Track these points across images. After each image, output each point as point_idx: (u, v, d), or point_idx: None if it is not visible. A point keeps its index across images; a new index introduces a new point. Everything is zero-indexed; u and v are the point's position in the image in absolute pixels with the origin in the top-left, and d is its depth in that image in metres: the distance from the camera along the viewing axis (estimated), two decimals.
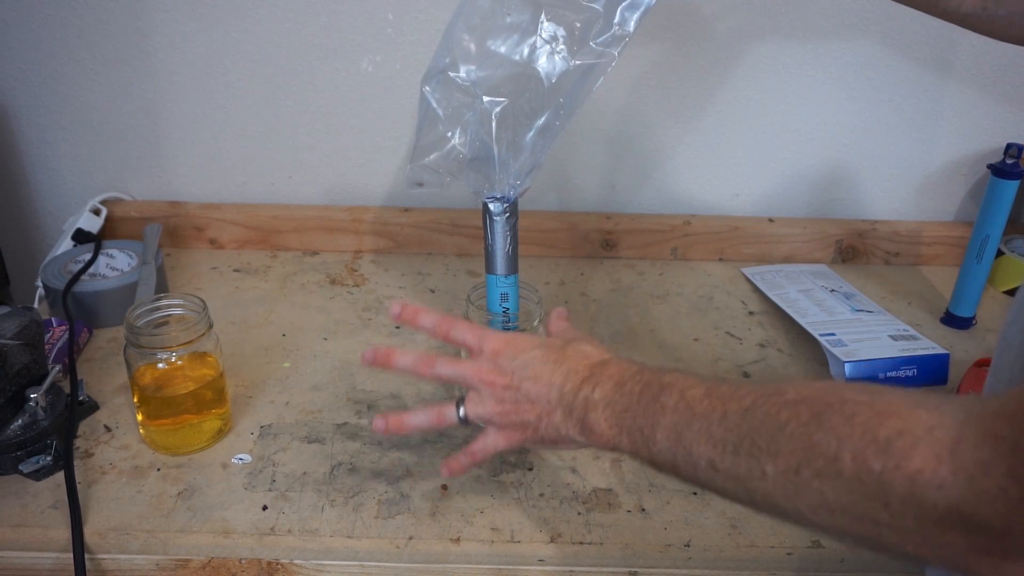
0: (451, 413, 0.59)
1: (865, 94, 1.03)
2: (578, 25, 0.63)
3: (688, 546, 0.64)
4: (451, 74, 0.64)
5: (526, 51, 0.63)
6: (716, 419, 0.45)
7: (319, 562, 0.64)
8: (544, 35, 0.63)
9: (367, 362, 0.61)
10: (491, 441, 0.58)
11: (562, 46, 0.63)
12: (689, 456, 0.46)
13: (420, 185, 0.69)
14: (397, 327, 0.90)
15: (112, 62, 1.00)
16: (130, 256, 0.95)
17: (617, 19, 0.63)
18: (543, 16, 0.63)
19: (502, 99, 0.64)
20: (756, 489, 0.42)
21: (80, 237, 0.98)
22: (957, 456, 0.34)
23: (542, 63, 0.63)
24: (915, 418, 0.36)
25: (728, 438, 0.43)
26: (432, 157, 0.68)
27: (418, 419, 0.60)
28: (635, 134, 1.05)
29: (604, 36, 0.63)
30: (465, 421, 0.59)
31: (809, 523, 0.41)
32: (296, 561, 0.64)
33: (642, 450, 0.50)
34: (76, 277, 0.88)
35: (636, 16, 0.62)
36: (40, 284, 0.92)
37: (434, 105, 0.66)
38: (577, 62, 0.63)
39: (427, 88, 0.66)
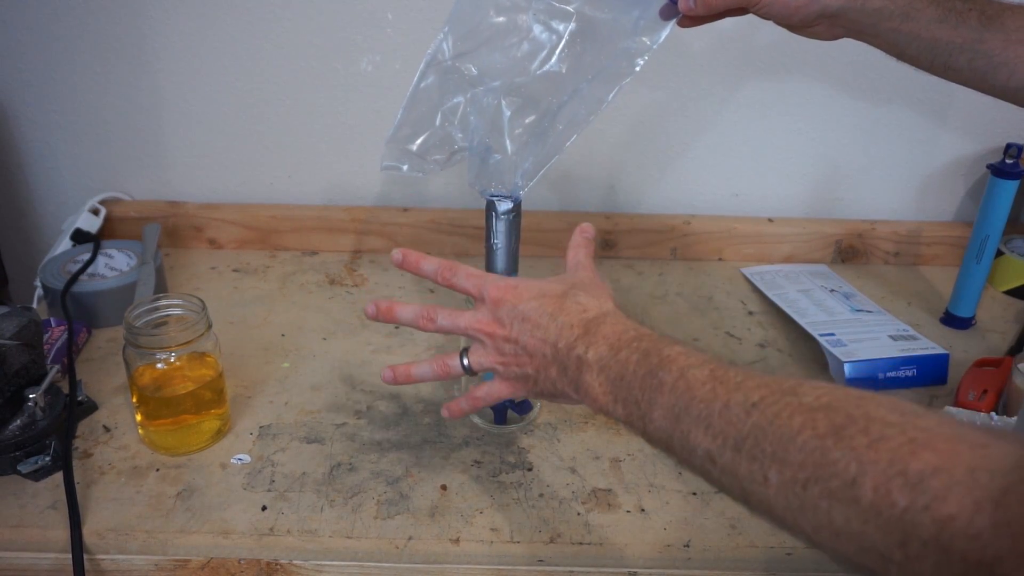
0: (455, 363, 0.59)
1: (865, 94, 1.03)
2: (600, 28, 0.62)
3: (688, 546, 0.64)
4: (458, 65, 0.63)
5: (542, 52, 0.63)
6: (718, 408, 0.42)
7: (318, 562, 0.64)
8: (563, 37, 0.62)
9: (371, 316, 0.61)
10: (495, 388, 0.58)
11: (580, 48, 0.63)
12: (686, 442, 0.43)
13: (396, 169, 0.67)
14: (396, 327, 0.90)
15: (111, 62, 1.00)
16: (129, 256, 0.94)
17: (640, 28, 0.63)
18: (558, 18, 0.62)
19: (517, 99, 0.64)
20: (754, 492, 0.40)
21: (79, 237, 0.98)
22: (1001, 508, 0.30)
23: (560, 63, 0.63)
24: (955, 455, 0.32)
25: (729, 432, 0.41)
26: (419, 141, 0.66)
27: (422, 370, 0.61)
28: (634, 134, 1.05)
29: (626, 42, 0.63)
30: (470, 370, 0.59)
31: (807, 538, 0.38)
32: (295, 561, 0.63)
33: (637, 424, 0.48)
34: (75, 277, 0.88)
35: (662, 29, 0.63)
36: (39, 284, 0.92)
37: (427, 85, 0.64)
38: (595, 64, 0.63)
39: (426, 71, 0.64)
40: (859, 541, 0.34)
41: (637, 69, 0.63)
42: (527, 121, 0.64)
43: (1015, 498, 0.30)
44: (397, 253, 0.61)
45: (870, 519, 0.34)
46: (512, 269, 0.71)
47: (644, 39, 0.63)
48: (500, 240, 0.69)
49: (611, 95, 0.63)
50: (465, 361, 0.58)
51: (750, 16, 0.68)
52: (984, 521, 0.30)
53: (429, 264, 0.61)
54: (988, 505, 0.30)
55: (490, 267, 0.71)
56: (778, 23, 0.66)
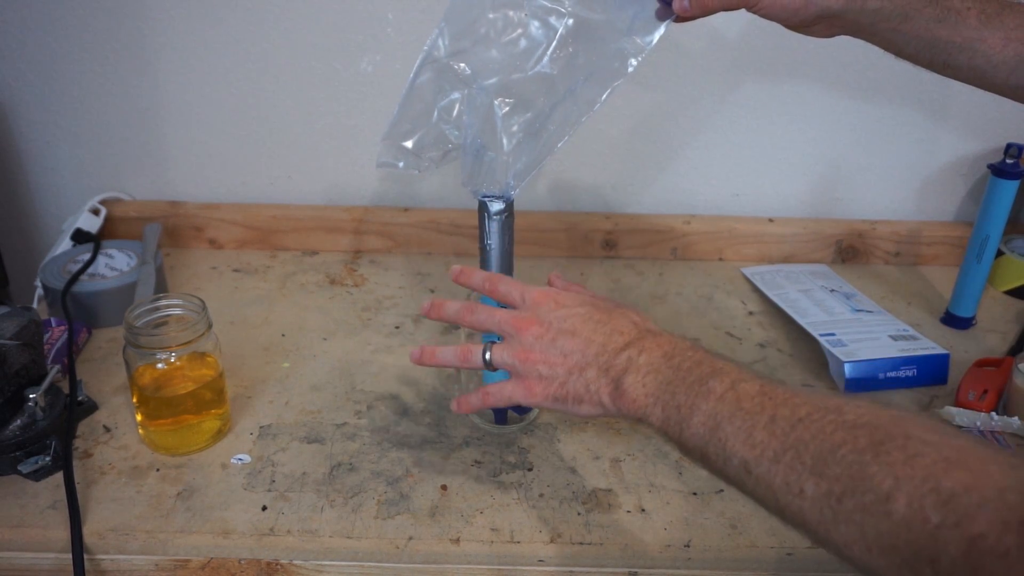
0: (477, 354, 0.59)
1: (865, 94, 1.03)
2: (595, 28, 0.63)
3: (688, 546, 0.64)
4: (452, 64, 0.64)
5: (537, 51, 0.63)
6: (763, 421, 0.43)
7: (319, 562, 0.64)
8: (557, 36, 0.62)
9: (424, 312, 0.63)
10: (508, 389, 0.58)
11: (574, 48, 0.63)
12: (723, 450, 0.44)
13: (391, 166, 0.67)
14: (396, 327, 0.90)
15: (112, 62, 1.00)
16: (129, 256, 0.95)
17: (635, 28, 0.63)
18: (554, 17, 0.62)
19: (510, 99, 0.64)
20: (788, 504, 0.40)
21: (79, 237, 0.98)
22: None
23: (552, 65, 0.63)
24: (987, 474, 0.33)
25: (770, 444, 0.42)
26: (415, 138, 0.66)
27: (447, 355, 0.61)
28: (635, 134, 1.05)
29: (620, 42, 0.63)
30: (490, 364, 0.59)
31: (838, 552, 0.38)
32: (296, 561, 0.63)
33: (673, 429, 0.48)
34: (75, 277, 0.88)
35: (656, 30, 0.63)
36: (39, 284, 0.92)
37: (423, 81, 0.65)
38: (589, 64, 0.63)
39: (422, 67, 0.65)
40: (890, 556, 0.35)
41: (630, 70, 0.63)
42: (521, 120, 0.64)
43: None
44: (456, 268, 0.64)
45: (902, 534, 0.34)
46: (507, 270, 0.71)
47: (638, 39, 0.63)
48: (493, 241, 0.69)
49: (604, 96, 0.63)
50: (487, 355, 0.59)
51: (749, 16, 0.68)
52: (1012, 540, 0.31)
53: (476, 276, 0.63)
54: (1016, 525, 0.31)
55: (485, 267, 0.71)
56: (776, 22, 0.66)
